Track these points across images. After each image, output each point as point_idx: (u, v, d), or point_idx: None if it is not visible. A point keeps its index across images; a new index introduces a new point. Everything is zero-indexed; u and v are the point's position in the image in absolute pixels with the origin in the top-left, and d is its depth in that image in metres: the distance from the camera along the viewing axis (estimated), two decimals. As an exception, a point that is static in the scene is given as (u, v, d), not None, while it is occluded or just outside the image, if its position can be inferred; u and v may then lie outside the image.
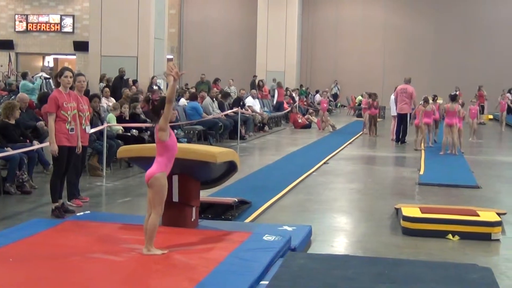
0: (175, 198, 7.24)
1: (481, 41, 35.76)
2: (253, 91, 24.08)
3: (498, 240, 7.88)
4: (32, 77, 19.83)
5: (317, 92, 25.46)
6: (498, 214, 8.44)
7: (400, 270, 5.98)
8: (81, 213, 8.29)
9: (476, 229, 7.93)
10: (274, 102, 26.84)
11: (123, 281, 5.37)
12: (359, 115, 27.20)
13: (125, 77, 19.01)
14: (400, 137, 19.17)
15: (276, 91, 27.45)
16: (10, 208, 9.30)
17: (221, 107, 19.43)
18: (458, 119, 16.22)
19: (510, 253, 7.47)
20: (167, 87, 22.63)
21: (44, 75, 21.38)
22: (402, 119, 19.21)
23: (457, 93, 20.94)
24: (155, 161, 6.16)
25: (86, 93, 11.59)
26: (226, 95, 20.77)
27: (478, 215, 8.22)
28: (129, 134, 13.45)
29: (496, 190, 11.91)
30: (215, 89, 23.10)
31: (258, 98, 23.94)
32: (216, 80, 26.34)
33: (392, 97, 20.40)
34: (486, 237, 7.87)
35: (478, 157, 16.21)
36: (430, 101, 19.14)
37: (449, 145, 16.12)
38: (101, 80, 19.65)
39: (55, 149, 8.52)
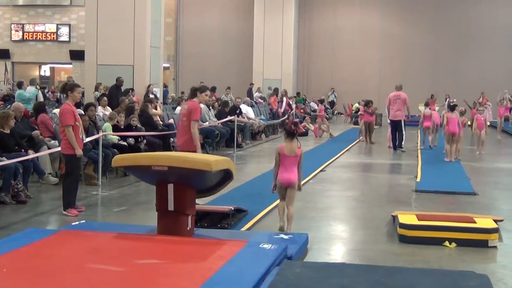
0: (171, 207, 7.20)
1: (479, 47, 35.78)
2: (247, 98, 24.16)
3: (495, 247, 7.86)
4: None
5: (321, 102, 25.61)
6: (495, 221, 8.43)
7: (397, 278, 5.94)
8: (76, 223, 8.27)
9: (473, 236, 7.91)
10: (282, 109, 26.90)
11: (118, 291, 5.33)
12: (356, 123, 27.21)
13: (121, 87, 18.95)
14: (397, 144, 19.17)
15: (284, 99, 27.68)
16: (5, 218, 9.25)
17: (220, 115, 19.41)
18: (459, 127, 16.20)
19: (507, 260, 7.45)
20: (163, 96, 22.67)
21: None
22: (396, 126, 19.23)
23: (450, 100, 20.54)
24: (293, 171, 8.03)
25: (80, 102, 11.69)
26: (225, 103, 20.78)
27: (475, 222, 8.20)
28: (125, 143, 13.42)
29: (493, 197, 11.90)
30: (213, 97, 23.14)
31: (254, 106, 24.03)
32: (213, 89, 26.41)
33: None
34: (483, 244, 7.84)
35: (474, 164, 16.20)
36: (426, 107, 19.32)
37: (448, 152, 16.10)
38: (96, 89, 19.61)
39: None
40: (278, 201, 10.36)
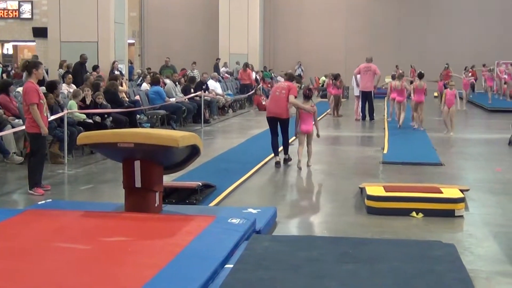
0: (138, 184, 7.15)
1: (445, 20, 35.85)
2: (215, 74, 24.03)
3: (461, 216, 7.95)
4: None
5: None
6: (461, 191, 8.50)
7: (365, 249, 5.99)
8: (43, 202, 8.18)
9: (440, 206, 7.99)
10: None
11: (85, 270, 5.27)
12: (323, 96, 27.22)
13: (85, 64, 18.71)
14: (368, 114, 19.53)
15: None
16: (-31, 199, 9.13)
17: (186, 91, 19.28)
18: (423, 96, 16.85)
19: (473, 229, 7.54)
20: (128, 72, 22.45)
21: None
22: (366, 96, 19.55)
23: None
24: (310, 123, 11.42)
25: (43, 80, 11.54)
26: (192, 79, 20.62)
27: (441, 192, 8.27)
28: (91, 120, 13.28)
29: (458, 167, 12.03)
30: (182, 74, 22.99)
31: (220, 81, 23.96)
32: (183, 69, 26.48)
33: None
34: (450, 214, 7.93)
35: (440, 135, 16.32)
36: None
37: (416, 121, 16.75)
38: (60, 67, 19.33)
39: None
40: (247, 175, 10.49)
